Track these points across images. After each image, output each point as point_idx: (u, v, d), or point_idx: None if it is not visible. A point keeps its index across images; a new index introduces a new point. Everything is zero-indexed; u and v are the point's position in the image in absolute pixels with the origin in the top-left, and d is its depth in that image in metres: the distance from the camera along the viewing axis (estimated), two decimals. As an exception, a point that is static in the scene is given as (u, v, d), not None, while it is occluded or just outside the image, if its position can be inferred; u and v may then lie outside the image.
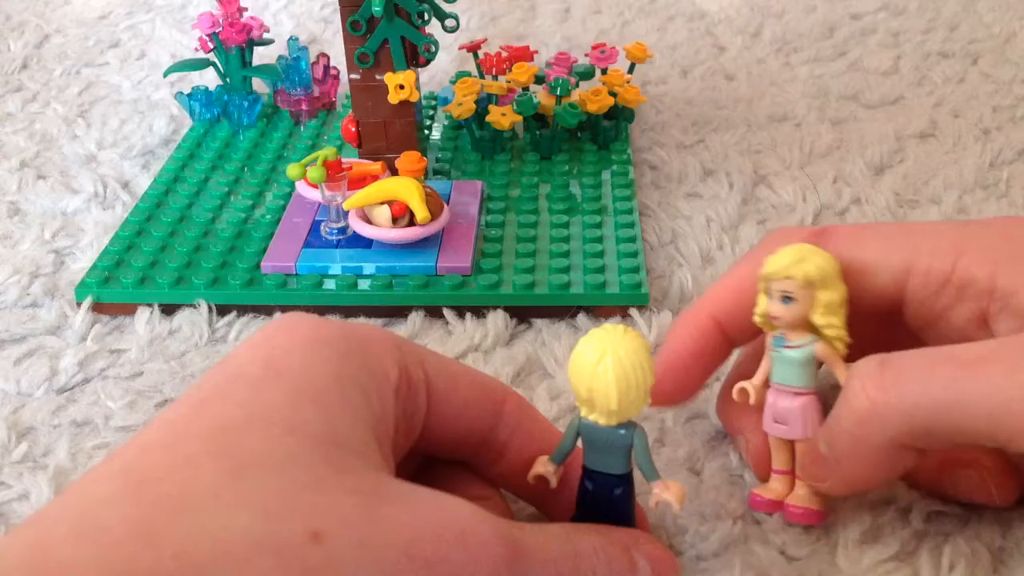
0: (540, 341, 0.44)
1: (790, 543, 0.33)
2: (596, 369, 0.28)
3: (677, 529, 0.33)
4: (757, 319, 0.33)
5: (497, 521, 0.26)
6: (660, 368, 0.34)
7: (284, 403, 0.25)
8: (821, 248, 0.32)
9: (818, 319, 0.32)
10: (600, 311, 0.45)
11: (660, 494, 0.29)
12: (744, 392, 0.33)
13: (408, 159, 0.49)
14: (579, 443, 0.30)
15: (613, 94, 0.56)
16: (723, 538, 0.33)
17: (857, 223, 0.51)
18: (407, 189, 0.45)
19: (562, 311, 0.45)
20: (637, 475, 0.30)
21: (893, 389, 0.29)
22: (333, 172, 0.46)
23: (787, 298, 0.31)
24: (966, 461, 0.33)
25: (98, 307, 0.45)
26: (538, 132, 0.56)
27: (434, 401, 0.30)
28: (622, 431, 0.29)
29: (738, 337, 0.35)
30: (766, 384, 0.33)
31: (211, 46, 0.60)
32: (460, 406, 0.30)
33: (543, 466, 0.30)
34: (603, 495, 0.30)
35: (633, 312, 0.44)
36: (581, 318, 0.44)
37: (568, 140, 0.58)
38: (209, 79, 0.64)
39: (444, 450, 0.31)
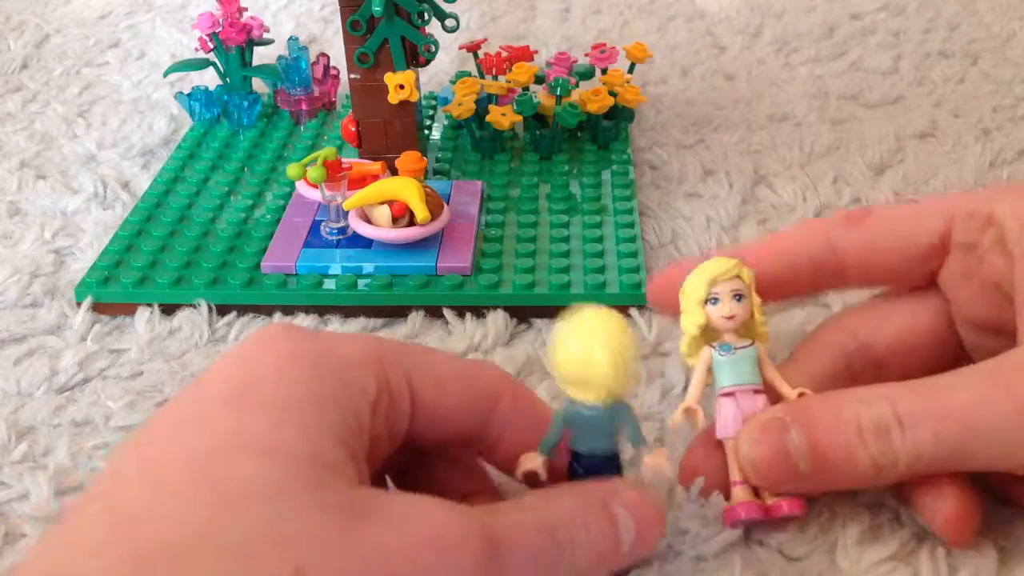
0: (540, 341, 0.44)
1: (789, 543, 0.33)
2: (592, 350, 0.28)
3: (678, 530, 0.33)
4: (694, 331, 0.33)
5: (471, 516, 0.26)
6: (663, 275, 0.36)
7: (261, 426, 0.25)
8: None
9: (758, 316, 0.34)
10: (600, 311, 0.45)
11: (652, 460, 0.30)
12: (692, 411, 0.33)
13: (408, 159, 0.49)
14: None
15: (613, 94, 0.56)
16: (723, 538, 0.33)
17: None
18: (407, 189, 0.45)
19: (562, 311, 0.45)
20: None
21: (911, 440, 0.30)
22: (333, 172, 0.46)
23: (739, 296, 0.33)
24: (934, 488, 0.32)
25: (98, 307, 0.45)
26: (538, 132, 0.56)
27: (419, 409, 0.30)
28: (610, 410, 0.29)
29: (756, 289, 0.35)
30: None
31: (211, 46, 0.60)
32: (448, 412, 0.30)
33: (532, 462, 0.30)
34: (591, 468, 0.30)
35: (633, 312, 0.44)
36: (581, 318, 0.44)
37: (568, 140, 0.58)
38: (209, 79, 0.64)
39: (433, 446, 0.31)
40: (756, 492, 0.33)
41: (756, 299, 0.34)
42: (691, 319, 0.34)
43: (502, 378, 0.32)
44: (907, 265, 0.34)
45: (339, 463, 0.26)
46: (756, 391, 0.33)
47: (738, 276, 0.33)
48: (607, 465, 0.30)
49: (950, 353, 0.35)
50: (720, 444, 0.33)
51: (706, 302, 0.33)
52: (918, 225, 0.34)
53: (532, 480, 0.30)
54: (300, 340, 0.28)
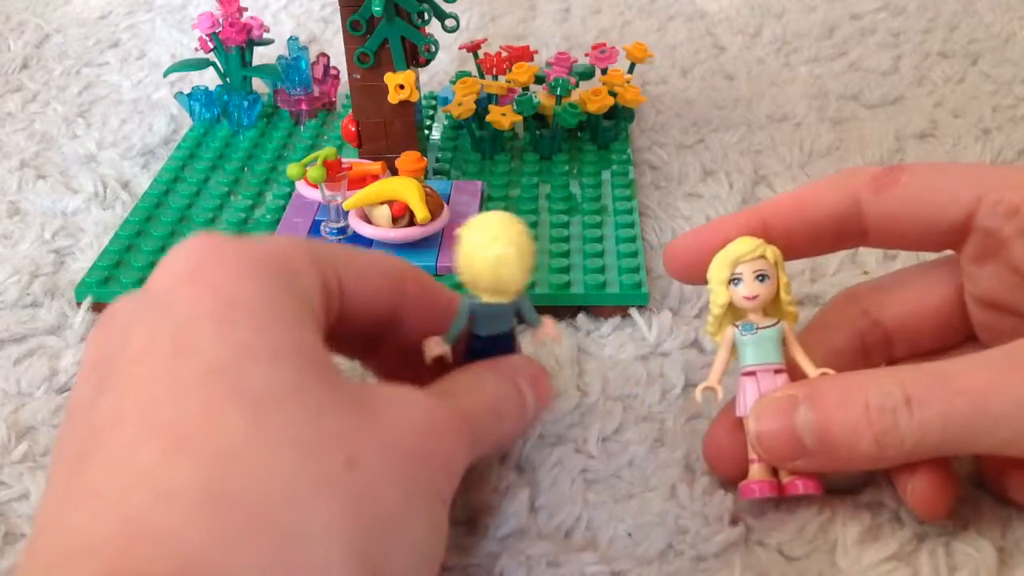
0: (540, 340, 0.43)
1: (789, 543, 0.33)
2: (500, 260, 0.31)
3: (678, 529, 0.33)
4: (717, 311, 0.34)
5: (446, 403, 0.29)
6: (683, 240, 0.36)
7: (258, 336, 0.26)
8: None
9: (784, 296, 0.34)
10: (600, 311, 0.45)
11: (543, 332, 0.34)
12: (711, 390, 0.34)
13: (408, 159, 0.49)
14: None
15: (613, 94, 0.56)
16: (723, 538, 0.33)
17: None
18: (407, 189, 0.45)
19: (562, 311, 0.45)
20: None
21: (917, 421, 0.30)
22: (333, 172, 0.46)
23: (762, 276, 0.33)
24: (911, 464, 0.32)
25: (98, 307, 0.45)
26: (538, 132, 0.56)
27: (346, 300, 0.31)
28: (514, 303, 0.33)
29: (779, 245, 0.35)
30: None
31: (211, 46, 0.60)
32: (367, 299, 0.32)
33: (439, 347, 0.33)
34: (493, 349, 0.34)
35: (633, 312, 0.44)
36: (581, 318, 0.44)
37: (568, 140, 0.58)
38: (209, 79, 0.64)
39: (350, 333, 0.32)
40: (774, 472, 0.33)
41: (783, 278, 0.34)
42: (714, 299, 0.34)
43: (406, 264, 0.34)
44: (928, 239, 0.35)
45: (330, 362, 0.27)
46: (777, 371, 0.33)
47: (763, 256, 0.34)
48: (505, 342, 0.34)
49: (959, 333, 0.36)
50: (741, 423, 0.34)
51: (729, 282, 0.34)
52: (945, 202, 0.34)
53: (438, 362, 0.33)
54: (246, 249, 0.28)
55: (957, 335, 0.36)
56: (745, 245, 0.34)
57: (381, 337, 0.34)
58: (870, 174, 0.35)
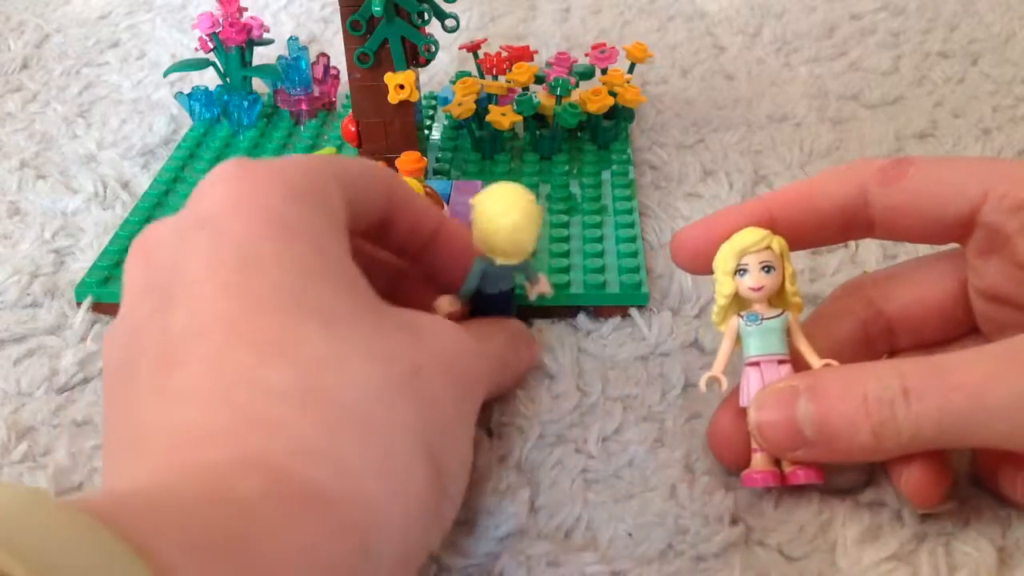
0: (540, 341, 0.43)
1: (789, 543, 0.33)
2: (516, 227, 0.35)
3: (678, 529, 0.33)
4: (722, 301, 0.34)
5: (469, 335, 0.32)
6: (691, 230, 0.36)
7: (311, 260, 0.28)
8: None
9: (789, 287, 0.34)
10: (600, 311, 0.45)
11: (537, 289, 0.38)
12: (716, 379, 0.34)
13: (408, 159, 0.49)
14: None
15: (613, 94, 0.56)
16: (723, 538, 0.33)
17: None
18: (407, 189, 0.45)
19: (562, 311, 0.45)
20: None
21: (916, 409, 0.30)
22: (333, 172, 0.46)
23: (768, 267, 0.34)
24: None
25: (98, 307, 0.45)
26: (538, 132, 0.56)
27: (353, 210, 0.32)
28: (521, 264, 0.37)
29: (785, 236, 0.35)
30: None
31: (211, 46, 0.60)
32: (369, 206, 0.34)
33: (451, 305, 0.37)
34: (496, 304, 0.38)
35: (633, 312, 0.44)
36: (581, 318, 0.44)
37: (568, 140, 0.58)
38: (209, 79, 0.64)
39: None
40: (777, 462, 0.33)
41: (789, 268, 0.34)
42: (720, 289, 0.34)
43: (390, 170, 0.36)
44: (934, 232, 0.35)
45: (367, 284, 0.30)
46: (781, 361, 0.34)
47: (769, 247, 0.34)
48: (507, 298, 0.38)
49: (962, 325, 0.36)
50: (745, 412, 0.34)
51: (735, 272, 0.34)
52: (951, 195, 0.34)
53: (450, 318, 0.35)
54: (283, 173, 0.30)
55: (960, 327, 0.36)
56: (751, 236, 0.34)
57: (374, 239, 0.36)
58: (877, 166, 0.35)
